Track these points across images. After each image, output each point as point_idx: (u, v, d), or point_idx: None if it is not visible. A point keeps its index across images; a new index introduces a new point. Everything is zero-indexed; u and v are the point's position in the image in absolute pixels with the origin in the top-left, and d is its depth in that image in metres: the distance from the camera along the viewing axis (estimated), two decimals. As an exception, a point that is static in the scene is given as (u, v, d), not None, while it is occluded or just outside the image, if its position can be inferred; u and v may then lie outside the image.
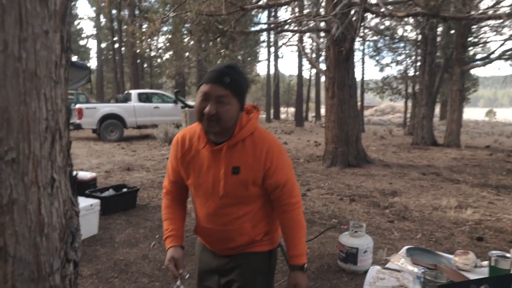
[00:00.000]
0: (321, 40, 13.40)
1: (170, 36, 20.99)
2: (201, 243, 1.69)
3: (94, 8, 33.01)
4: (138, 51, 15.44)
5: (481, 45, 16.16)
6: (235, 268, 1.54)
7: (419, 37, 14.66)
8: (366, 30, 15.50)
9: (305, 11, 9.78)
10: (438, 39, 14.15)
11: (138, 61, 26.74)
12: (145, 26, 8.63)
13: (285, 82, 53.78)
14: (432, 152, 10.98)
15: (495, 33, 14.80)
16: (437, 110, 32.90)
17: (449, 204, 5.28)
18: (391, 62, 20.69)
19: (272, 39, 27.21)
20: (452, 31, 14.96)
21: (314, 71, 32.18)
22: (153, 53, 30.17)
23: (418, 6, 7.18)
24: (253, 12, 17.84)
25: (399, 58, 20.39)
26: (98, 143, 12.15)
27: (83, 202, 4.03)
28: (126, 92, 15.21)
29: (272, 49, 28.67)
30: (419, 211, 5.05)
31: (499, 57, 12.94)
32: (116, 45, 31.34)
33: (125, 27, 25.41)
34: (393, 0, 8.54)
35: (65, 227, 1.05)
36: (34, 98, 0.90)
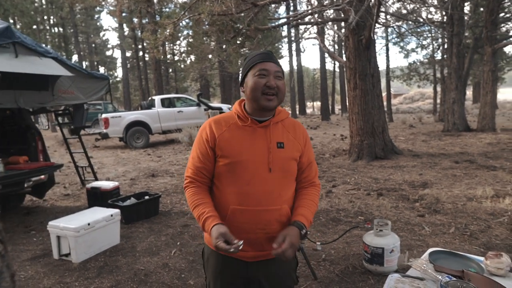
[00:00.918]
0: (343, 30, 13.05)
1: (191, 40, 21.17)
2: (220, 255, 1.55)
3: (115, 18, 33.70)
4: (157, 57, 15.54)
5: (513, 20, 15.26)
6: (265, 273, 1.54)
7: (445, 18, 13.99)
8: (388, 16, 14.97)
9: (324, 2, 9.50)
10: (466, 18, 13.45)
11: (162, 67, 27.14)
12: (159, 32, 8.65)
13: (309, 76, 53.19)
14: (465, 138, 10.44)
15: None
16: (470, 93, 31.54)
17: (485, 193, 4.94)
18: (417, 47, 19.94)
19: (293, 34, 26.88)
20: (481, 9, 14.21)
21: (338, 63, 31.54)
22: (176, 58, 30.55)
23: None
24: (272, 7, 17.68)
25: (424, 42, 19.60)
26: (125, 150, 12.37)
27: (104, 212, 4.04)
28: (150, 98, 15.42)
29: (294, 44, 28.31)
30: (452, 202, 4.75)
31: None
32: (140, 53, 31.92)
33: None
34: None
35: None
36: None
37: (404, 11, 15.26)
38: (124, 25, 32.31)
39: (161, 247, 3.90)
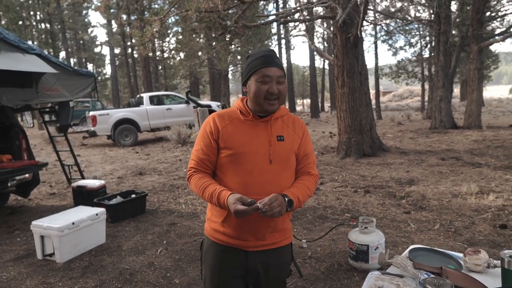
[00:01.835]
0: (332, 28, 13.09)
1: (180, 37, 21.01)
2: (220, 245, 1.59)
3: (103, 15, 33.30)
4: (144, 54, 15.40)
5: (499, 19, 15.48)
6: (263, 263, 1.58)
7: (433, 16, 14.13)
8: (376, 14, 15.06)
9: None
10: (453, 17, 13.59)
11: (151, 64, 26.93)
12: (146, 28, 8.56)
13: (299, 73, 53.22)
14: (452, 136, 10.57)
15: (513, 5, 14.11)
16: (457, 91, 31.94)
17: (470, 190, 5.01)
18: (405, 45, 20.12)
19: (282, 31, 26.87)
20: (467, 7, 14.37)
21: (327, 60, 31.65)
22: (165, 55, 30.31)
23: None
24: (260, 4, 17.61)
25: (412, 40, 19.76)
26: (113, 148, 12.25)
27: (89, 211, 3.99)
28: (138, 96, 15.30)
29: (283, 41, 28.32)
30: (438, 199, 4.81)
31: (519, 31, 12.33)
32: (129, 50, 31.62)
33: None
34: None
35: None
36: None
37: (392, 9, 15.38)
38: (113, 22, 32.01)
39: (147, 246, 3.87)
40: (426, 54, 19.86)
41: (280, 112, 1.61)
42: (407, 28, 18.32)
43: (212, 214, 1.62)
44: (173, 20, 15.17)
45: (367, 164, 7.32)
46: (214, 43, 16.64)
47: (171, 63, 28.63)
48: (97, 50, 41.74)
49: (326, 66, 34.55)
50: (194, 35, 16.03)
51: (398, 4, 14.88)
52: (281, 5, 23.05)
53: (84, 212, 3.94)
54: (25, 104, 5.66)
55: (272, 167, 1.52)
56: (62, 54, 32.21)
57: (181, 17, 8.50)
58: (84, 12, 36.90)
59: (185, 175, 7.19)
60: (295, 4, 9.83)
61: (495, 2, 14.48)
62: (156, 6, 23.20)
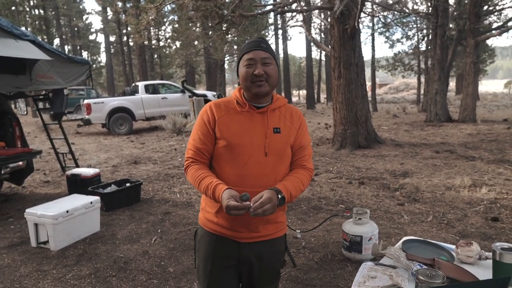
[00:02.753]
0: (329, 19, 13.01)
1: (176, 25, 20.80)
2: (214, 235, 1.58)
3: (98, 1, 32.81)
4: (140, 42, 15.24)
5: (496, 13, 15.47)
6: (257, 254, 1.57)
7: (430, 9, 14.09)
8: (374, 6, 14.99)
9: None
10: (450, 10, 13.55)
11: (147, 52, 26.67)
12: (141, 16, 8.45)
13: (296, 64, 53.03)
14: (446, 129, 10.63)
15: (511, -1, 14.10)
16: (453, 84, 32.02)
17: (463, 183, 5.06)
18: (402, 38, 20.06)
19: (279, 21, 26.67)
20: (465, 1, 14.33)
21: (324, 52, 31.53)
22: (161, 43, 30.01)
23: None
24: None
25: (410, 33, 19.73)
26: (108, 137, 12.19)
27: (83, 199, 3.98)
28: (133, 84, 15.18)
29: (280, 32, 28.13)
30: (431, 192, 4.85)
31: (516, 25, 12.34)
32: (124, 38, 31.26)
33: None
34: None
35: None
36: None
37: (390, 1, 15.31)
38: (108, 9, 31.57)
39: (141, 235, 3.87)
40: (423, 47, 19.87)
41: (278, 103, 1.60)
42: (404, 20, 18.28)
43: (207, 204, 1.61)
44: (169, 8, 15.02)
45: (362, 155, 7.35)
46: (210, 32, 16.51)
47: (167, 52, 28.38)
48: (92, 37, 41.12)
49: (323, 58, 34.44)
50: (190, 24, 15.89)
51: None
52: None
53: (78, 201, 3.93)
54: (19, 91, 5.60)
55: (268, 160, 1.50)
56: (56, 41, 31.79)
57: (178, 5, 8.42)
58: None
59: (180, 165, 7.19)
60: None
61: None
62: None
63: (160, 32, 28.87)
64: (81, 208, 3.81)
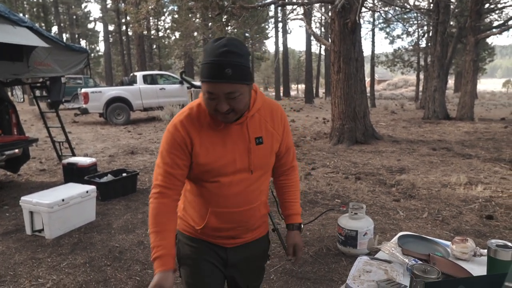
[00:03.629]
0: (330, 13, 12.95)
1: (176, 16, 20.66)
2: (200, 241, 1.46)
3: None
4: (139, 31, 15.12)
5: (497, 11, 15.42)
6: (243, 256, 1.50)
7: (432, 6, 14.04)
8: (375, 1, 14.93)
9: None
10: (452, 7, 13.51)
11: (146, 42, 26.48)
12: (141, 5, 8.37)
13: (295, 58, 52.85)
14: (444, 126, 10.64)
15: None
16: (452, 82, 32.03)
17: (459, 180, 5.07)
18: (402, 34, 20.00)
19: (280, 14, 26.51)
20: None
21: (323, 46, 31.41)
22: (160, 34, 29.82)
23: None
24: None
25: (410, 29, 19.68)
26: (105, 127, 12.15)
27: (79, 188, 3.97)
28: (131, 74, 15.08)
29: (280, 25, 27.97)
30: (427, 188, 4.86)
31: (516, 24, 12.32)
32: (123, 28, 31.03)
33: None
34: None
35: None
36: None
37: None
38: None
39: (137, 225, 3.87)
40: (423, 43, 19.81)
41: (256, 105, 1.35)
42: (405, 16, 18.21)
43: (191, 218, 1.45)
44: (169, -3, 14.87)
45: (359, 151, 7.35)
46: (210, 23, 16.38)
47: (166, 42, 28.21)
48: (90, 26, 40.78)
49: (323, 52, 34.29)
50: (190, 15, 15.77)
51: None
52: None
53: (74, 189, 3.92)
54: (16, 78, 5.55)
55: (253, 176, 1.37)
56: (54, 29, 31.53)
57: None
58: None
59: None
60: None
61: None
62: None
63: (159, 22, 28.72)
64: (77, 197, 3.80)
